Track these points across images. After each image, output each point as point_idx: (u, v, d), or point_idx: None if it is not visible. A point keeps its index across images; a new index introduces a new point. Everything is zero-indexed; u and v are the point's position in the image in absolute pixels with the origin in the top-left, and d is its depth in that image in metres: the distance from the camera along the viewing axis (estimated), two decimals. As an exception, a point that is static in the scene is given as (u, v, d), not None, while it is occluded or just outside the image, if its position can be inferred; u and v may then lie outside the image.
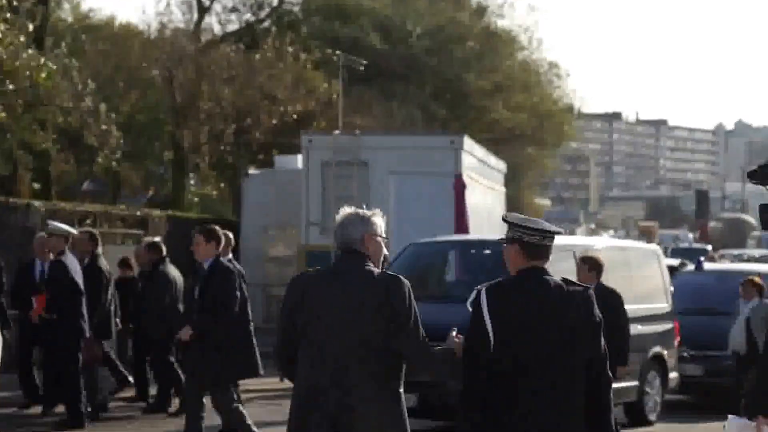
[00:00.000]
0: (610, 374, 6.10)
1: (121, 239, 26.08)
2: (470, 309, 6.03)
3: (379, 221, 6.48)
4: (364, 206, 6.57)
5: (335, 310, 6.16)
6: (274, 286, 25.29)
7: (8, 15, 23.10)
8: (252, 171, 29.99)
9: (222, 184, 40.36)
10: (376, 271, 6.26)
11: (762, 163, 6.59)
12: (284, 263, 26.44)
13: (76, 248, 14.81)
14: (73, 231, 14.70)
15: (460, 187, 23.08)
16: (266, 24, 42.75)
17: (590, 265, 12.94)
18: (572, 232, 59.98)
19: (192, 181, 43.37)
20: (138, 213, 28.42)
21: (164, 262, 16.48)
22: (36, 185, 32.26)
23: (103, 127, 27.44)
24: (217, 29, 42.83)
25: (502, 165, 32.53)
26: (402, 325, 6.13)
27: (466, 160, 24.41)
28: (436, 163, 23.76)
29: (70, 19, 50.15)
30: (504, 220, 6.22)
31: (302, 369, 6.22)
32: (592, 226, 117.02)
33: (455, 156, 23.78)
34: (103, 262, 15.35)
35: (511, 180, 41.66)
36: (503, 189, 32.67)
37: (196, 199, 43.41)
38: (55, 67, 23.95)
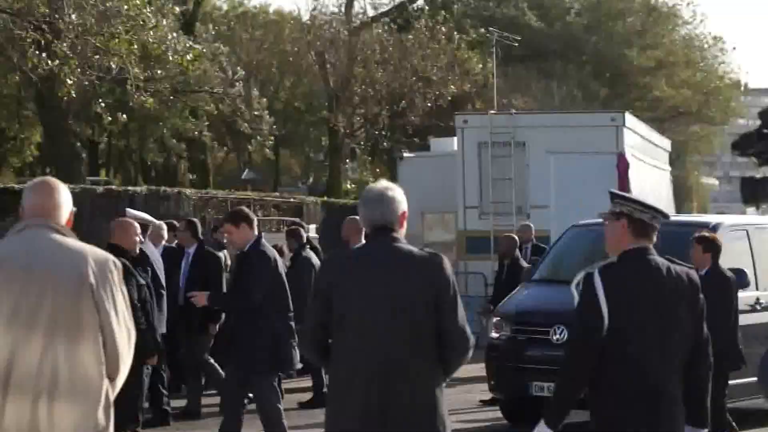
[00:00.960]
0: (711, 359, 5.97)
1: (276, 226, 25.74)
2: (576, 292, 5.90)
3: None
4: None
5: (379, 292, 5.67)
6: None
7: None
8: (407, 155, 29.28)
9: (378, 169, 39.87)
10: (415, 249, 5.79)
11: (744, 133, 5.79)
12: (443, 249, 25.69)
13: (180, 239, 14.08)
14: (153, 219, 13.59)
15: (623, 166, 22.00)
16: (418, 3, 42.08)
17: (704, 245, 11.63)
18: (743, 212, 57.78)
19: (348, 167, 43.03)
20: (292, 200, 28.01)
21: (305, 248, 15.81)
22: (192, 175, 32.22)
23: (255, 113, 27.08)
24: (369, 11, 42.37)
25: (666, 143, 31.08)
26: (448, 306, 5.70)
27: (629, 138, 23.24)
28: (596, 141, 22.66)
29: (225, 7, 50.52)
30: (611, 193, 6.06)
31: (342, 355, 5.75)
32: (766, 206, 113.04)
33: (617, 133, 22.67)
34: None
35: (675, 159, 40.17)
36: (668, 168, 31.25)
37: (353, 186, 43.09)
38: (203, 49, 23.61)
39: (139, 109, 26.03)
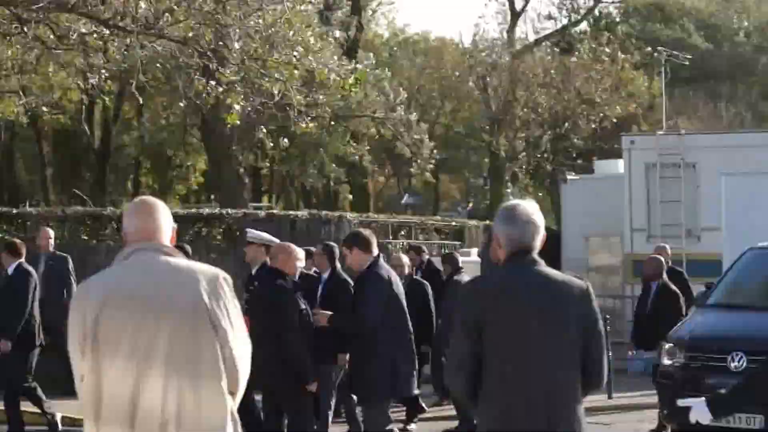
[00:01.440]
0: None
1: (437, 250, 25.46)
2: None
3: None
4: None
5: (535, 321, 5.41)
6: (598, 297, 23.92)
7: (318, 24, 22.84)
8: (571, 177, 28.71)
9: (540, 193, 39.35)
10: (563, 274, 5.61)
11: None
12: (608, 272, 25.12)
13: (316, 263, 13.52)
14: (274, 240, 12.92)
15: (798, 187, 21.14)
16: (581, 26, 41.51)
17: None
18: None
19: (509, 191, 42.55)
20: (454, 223, 27.71)
21: (459, 273, 15.42)
22: (351, 197, 32.22)
23: (416, 136, 26.89)
24: (530, 35, 42.00)
25: None
26: (597, 334, 5.55)
27: (805, 158, 22.33)
28: (770, 162, 21.86)
29: (386, 35, 50.79)
30: None
31: (498, 385, 5.43)
32: None
33: (792, 154, 21.83)
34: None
35: None
36: None
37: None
38: (365, 69, 23.52)
39: (300, 135, 26.10)
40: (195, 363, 4.74)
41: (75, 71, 19.42)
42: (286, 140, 23.59)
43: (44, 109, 20.68)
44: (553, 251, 25.59)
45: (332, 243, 13.91)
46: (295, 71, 20.35)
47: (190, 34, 19.44)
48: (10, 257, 12.30)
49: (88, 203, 24.33)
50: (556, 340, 5.40)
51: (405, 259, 15.45)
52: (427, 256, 17.29)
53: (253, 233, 12.60)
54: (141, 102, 40.40)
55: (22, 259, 12.33)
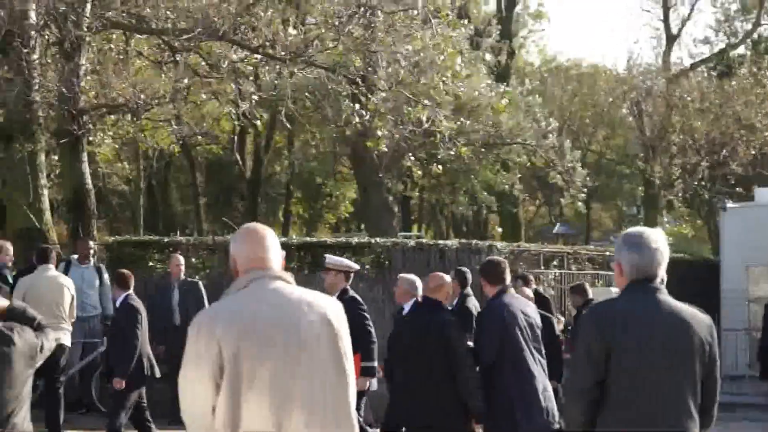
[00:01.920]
0: None
1: (590, 280, 24.85)
2: None
3: None
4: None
5: (661, 352, 5.31)
6: (758, 330, 23.02)
7: (469, 50, 22.57)
8: (730, 205, 27.78)
9: (698, 221, 38.29)
10: (685, 305, 5.46)
11: None
12: (770, 303, 24.17)
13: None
14: (354, 266, 12.31)
15: None
16: (740, 50, 40.40)
17: None
18: None
19: (665, 219, 41.54)
20: (607, 252, 27.00)
21: (589, 303, 14.83)
22: (500, 228, 31.78)
23: (568, 164, 26.35)
24: (686, 59, 41.09)
25: None
26: (716, 367, 5.46)
27: None
28: None
29: (537, 62, 50.38)
30: None
31: (617, 417, 5.31)
32: None
33: None
34: (473, 302, 13.40)
35: None
36: None
37: (670, 239, 41.58)
38: (518, 91, 23.18)
39: (450, 163, 25.81)
40: (332, 404, 4.68)
41: (226, 99, 19.50)
42: (439, 167, 23.31)
43: (198, 138, 20.78)
44: (711, 281, 24.75)
45: (465, 269, 13.49)
46: (445, 97, 20.13)
47: (339, 61, 19.41)
48: (118, 289, 12.09)
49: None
50: (681, 370, 5.32)
51: (528, 291, 14.65)
52: (534, 286, 16.48)
53: (332, 259, 12.08)
54: (290, 130, 40.91)
55: (130, 291, 12.10)
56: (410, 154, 26.56)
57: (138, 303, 11.99)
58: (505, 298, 9.55)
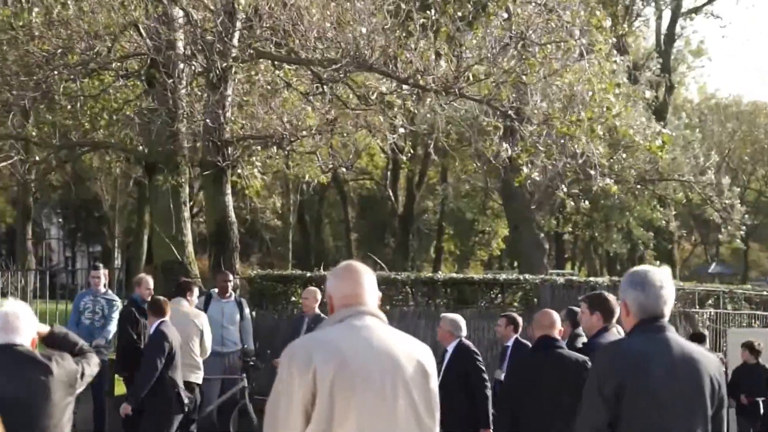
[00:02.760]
0: None
1: (747, 321, 23.83)
2: None
3: None
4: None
5: (674, 391, 5.26)
6: None
7: (626, 84, 21.90)
8: None
9: None
10: (694, 344, 5.48)
11: None
12: None
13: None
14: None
15: None
16: None
17: None
18: None
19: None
20: (765, 292, 25.87)
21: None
22: (657, 264, 30.78)
23: (726, 201, 25.37)
24: None
25: None
26: (723, 410, 5.41)
27: None
28: None
29: (696, 99, 49.39)
30: None
31: None
32: None
33: None
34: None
35: None
36: None
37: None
38: (672, 134, 22.37)
39: (604, 199, 25.13)
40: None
41: (375, 131, 19.23)
42: (587, 202, 22.67)
43: (344, 170, 20.55)
44: None
45: (576, 308, 12.81)
46: (598, 132, 19.55)
47: (490, 94, 19.00)
48: (152, 316, 11.80)
49: (383, 268, 24.05)
50: (693, 411, 5.27)
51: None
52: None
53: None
54: (443, 165, 40.60)
55: (166, 318, 11.66)
56: (563, 186, 25.94)
57: (170, 331, 11.59)
58: (606, 337, 8.94)
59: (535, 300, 18.49)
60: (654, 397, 5.22)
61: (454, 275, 19.41)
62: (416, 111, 20.11)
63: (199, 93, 16.86)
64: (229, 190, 17.07)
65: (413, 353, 4.70)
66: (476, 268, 48.42)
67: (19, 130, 17.55)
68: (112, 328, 14.41)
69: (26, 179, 23.29)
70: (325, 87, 17.44)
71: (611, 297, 9.01)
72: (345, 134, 17.81)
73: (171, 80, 15.68)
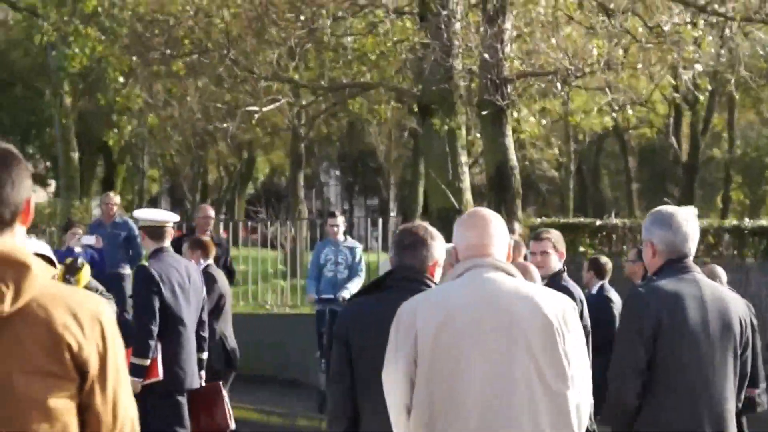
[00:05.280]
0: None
1: None
2: None
3: None
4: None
5: (707, 331, 5.29)
6: None
7: None
8: None
9: None
10: (717, 284, 5.69)
11: None
12: None
13: None
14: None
15: None
16: None
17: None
18: None
19: None
20: None
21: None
22: None
23: None
24: None
25: None
26: (751, 351, 5.48)
27: None
28: None
29: None
30: None
31: (667, 398, 5.27)
32: None
33: None
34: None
35: None
36: None
37: None
38: None
39: None
40: (548, 411, 4.28)
41: (665, 68, 17.58)
42: None
43: (629, 112, 18.98)
44: None
45: None
46: None
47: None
48: (199, 256, 10.55)
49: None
50: (725, 350, 5.34)
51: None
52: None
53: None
54: (730, 110, 38.29)
55: (210, 261, 10.60)
56: None
57: (216, 272, 10.62)
58: None
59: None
60: (689, 336, 5.27)
61: (765, 223, 17.38)
62: (712, 45, 18.35)
63: (475, 27, 15.68)
64: (509, 132, 15.82)
65: (542, 309, 4.32)
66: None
67: (285, 74, 16.89)
68: (359, 280, 13.33)
69: (295, 124, 22.81)
70: (611, 19, 16.00)
71: None
72: (636, 68, 16.22)
73: (445, 12, 14.57)
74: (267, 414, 13.65)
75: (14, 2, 29.12)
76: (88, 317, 2.95)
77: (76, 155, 29.40)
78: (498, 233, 4.52)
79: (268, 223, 19.88)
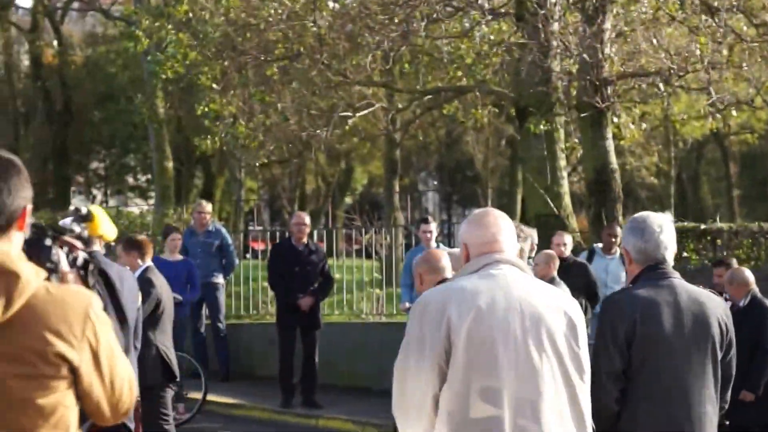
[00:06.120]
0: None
1: None
2: None
3: None
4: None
5: (683, 336, 5.33)
6: None
7: None
8: None
9: None
10: (699, 288, 5.55)
11: None
12: None
13: None
14: None
15: None
16: None
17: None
18: None
19: None
20: None
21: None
22: None
23: None
24: None
25: None
26: (732, 353, 5.49)
27: None
28: None
29: None
30: None
31: (642, 405, 5.30)
32: None
33: None
34: None
35: None
36: None
37: None
38: None
39: None
40: (569, 408, 4.42)
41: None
42: None
43: (733, 113, 18.40)
44: None
45: None
46: None
47: None
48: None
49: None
50: (704, 355, 5.36)
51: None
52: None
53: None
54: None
55: (148, 263, 9.53)
56: None
57: (155, 276, 9.49)
58: None
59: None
60: (663, 343, 5.30)
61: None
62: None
63: (573, 27, 15.25)
64: (609, 134, 15.34)
65: (559, 306, 4.47)
66: None
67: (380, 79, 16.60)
68: None
69: (390, 130, 22.51)
70: (716, 18, 15.44)
71: None
72: (743, 66, 15.61)
73: (542, 11, 14.17)
74: (362, 425, 13.39)
75: (110, 12, 29.30)
76: (79, 318, 3.07)
77: (170, 164, 29.44)
78: (509, 231, 4.63)
79: (363, 230, 19.68)
